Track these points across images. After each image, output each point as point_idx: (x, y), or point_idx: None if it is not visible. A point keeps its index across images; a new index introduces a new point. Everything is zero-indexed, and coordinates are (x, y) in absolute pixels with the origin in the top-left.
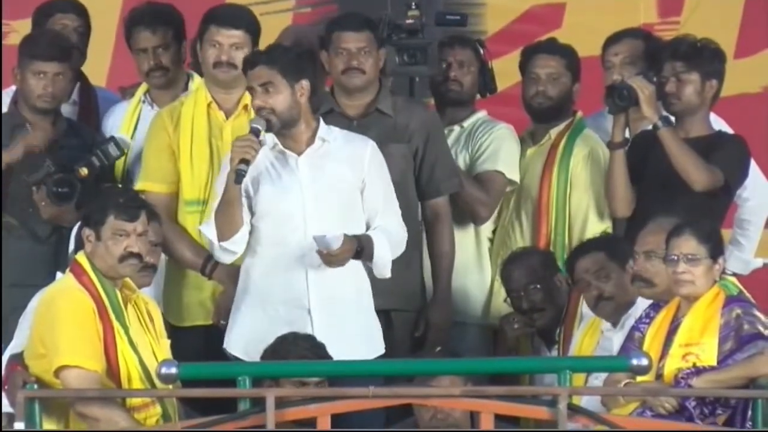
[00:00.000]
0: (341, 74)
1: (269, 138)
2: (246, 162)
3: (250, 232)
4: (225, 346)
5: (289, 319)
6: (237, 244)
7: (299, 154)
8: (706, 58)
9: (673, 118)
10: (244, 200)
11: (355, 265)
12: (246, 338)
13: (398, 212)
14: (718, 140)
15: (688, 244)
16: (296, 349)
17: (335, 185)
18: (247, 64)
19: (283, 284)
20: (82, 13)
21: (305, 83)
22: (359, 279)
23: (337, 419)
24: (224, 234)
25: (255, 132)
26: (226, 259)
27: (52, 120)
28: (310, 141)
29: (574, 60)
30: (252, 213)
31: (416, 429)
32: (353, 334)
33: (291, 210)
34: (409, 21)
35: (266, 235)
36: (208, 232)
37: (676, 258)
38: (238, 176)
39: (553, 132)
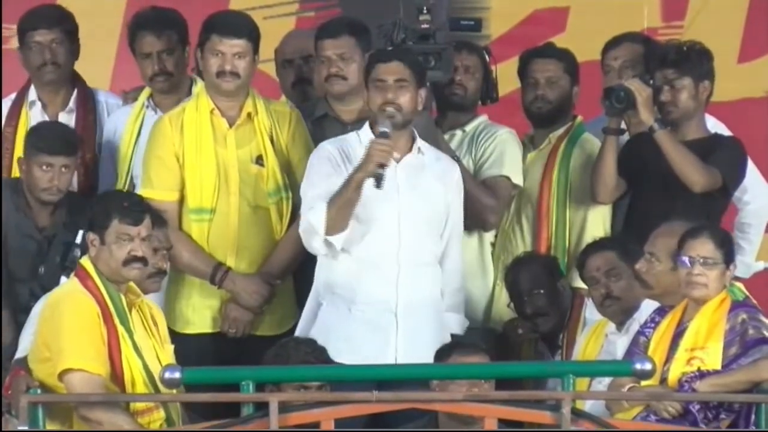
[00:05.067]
0: (324, 81)
1: (369, 140)
2: (383, 166)
3: None
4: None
5: (375, 321)
6: (340, 240)
7: (397, 161)
8: (694, 60)
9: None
10: None
11: (438, 275)
12: (327, 335)
13: (460, 239)
14: (714, 142)
15: (705, 247)
16: (297, 354)
17: (428, 197)
18: (383, 58)
19: (372, 286)
20: (57, 23)
21: (424, 92)
22: (437, 282)
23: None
24: (333, 229)
25: (386, 135)
26: (324, 251)
27: (51, 210)
28: (407, 150)
29: (572, 63)
30: None
31: (426, 429)
32: (431, 336)
33: (387, 215)
34: (424, 26)
35: (359, 236)
36: (316, 220)
37: (691, 260)
38: (378, 181)
39: (553, 136)
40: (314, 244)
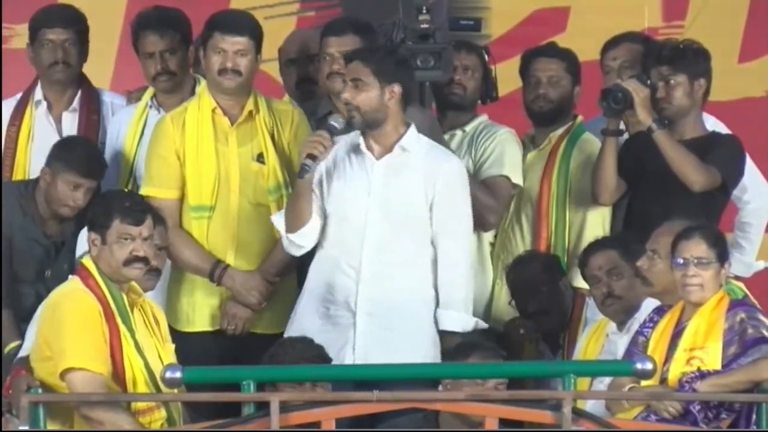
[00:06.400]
0: (326, 79)
1: (354, 135)
2: (313, 157)
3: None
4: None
5: (336, 320)
6: (304, 237)
7: (378, 158)
8: (690, 58)
9: (666, 122)
10: (317, 192)
11: (417, 271)
12: (299, 332)
13: (464, 236)
14: (712, 140)
15: (699, 248)
16: (292, 352)
17: (404, 196)
18: (346, 58)
19: (334, 284)
20: (71, 23)
21: (397, 88)
22: (419, 286)
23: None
24: (291, 226)
25: (330, 129)
26: (295, 251)
27: (60, 219)
28: (389, 149)
29: (574, 63)
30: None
31: (421, 429)
32: (398, 342)
33: (354, 212)
34: (424, 26)
35: (329, 233)
36: (278, 222)
37: (686, 261)
38: (302, 171)
39: (553, 136)
40: (287, 246)
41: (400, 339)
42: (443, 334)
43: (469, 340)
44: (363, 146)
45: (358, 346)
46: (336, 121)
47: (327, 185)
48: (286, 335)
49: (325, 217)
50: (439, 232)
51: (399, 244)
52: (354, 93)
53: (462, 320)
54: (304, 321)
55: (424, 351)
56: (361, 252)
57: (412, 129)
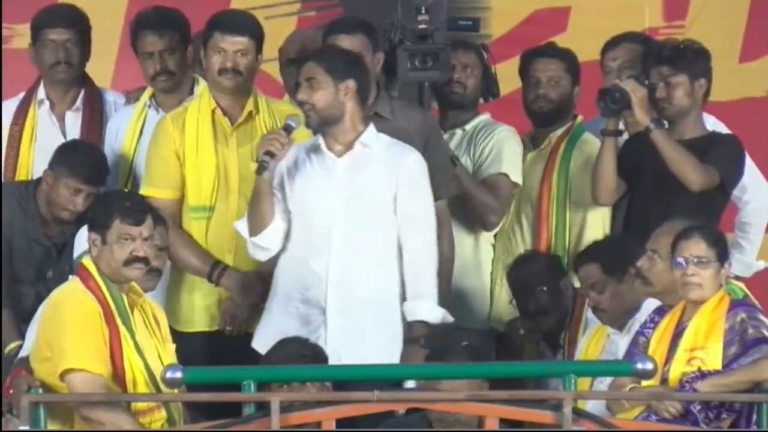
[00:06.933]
0: None
1: (314, 138)
2: (270, 155)
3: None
4: (252, 344)
5: (306, 319)
6: (267, 239)
7: (339, 156)
8: (690, 58)
9: (666, 122)
10: (279, 195)
11: (385, 267)
12: (269, 335)
13: (429, 228)
14: (712, 140)
15: (699, 247)
16: (282, 352)
17: (368, 193)
18: (299, 61)
19: (303, 283)
20: (73, 23)
21: (351, 83)
22: (388, 281)
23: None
24: (253, 228)
25: (287, 128)
26: (260, 255)
27: (60, 222)
28: (349, 146)
29: (573, 63)
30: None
31: (417, 429)
32: (369, 338)
33: (319, 211)
34: (422, 26)
35: (294, 233)
36: (241, 228)
37: (685, 261)
38: (260, 167)
39: (553, 136)
40: (251, 251)
41: (370, 335)
42: (411, 324)
43: (438, 346)
44: (323, 146)
45: (330, 344)
46: (292, 120)
47: (289, 186)
48: (256, 337)
49: (289, 220)
50: (404, 225)
51: (366, 241)
52: (309, 92)
53: (431, 310)
54: (274, 321)
55: (394, 346)
56: (329, 250)
57: (371, 127)
